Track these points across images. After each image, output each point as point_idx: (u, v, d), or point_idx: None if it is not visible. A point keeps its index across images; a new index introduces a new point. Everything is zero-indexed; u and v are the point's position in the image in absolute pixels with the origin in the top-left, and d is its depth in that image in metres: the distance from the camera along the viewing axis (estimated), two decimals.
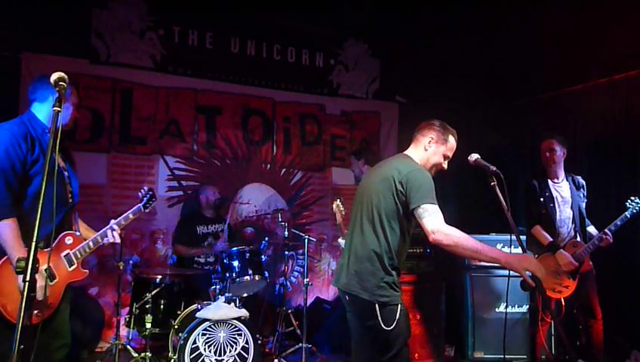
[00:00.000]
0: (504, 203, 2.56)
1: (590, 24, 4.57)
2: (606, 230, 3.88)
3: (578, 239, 4.02)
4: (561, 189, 4.16)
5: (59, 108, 1.73)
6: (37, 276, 2.18)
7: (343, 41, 6.20)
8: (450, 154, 2.74)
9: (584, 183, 4.25)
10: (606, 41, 4.56)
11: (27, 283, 1.46)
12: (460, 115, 5.78)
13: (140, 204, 2.89)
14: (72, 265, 2.56)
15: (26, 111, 2.61)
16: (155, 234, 5.23)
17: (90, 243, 2.64)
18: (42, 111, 2.58)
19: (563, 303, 3.96)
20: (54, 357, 2.58)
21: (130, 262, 4.78)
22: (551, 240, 3.96)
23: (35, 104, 2.60)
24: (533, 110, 5.52)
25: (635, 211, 3.91)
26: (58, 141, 1.66)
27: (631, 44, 4.47)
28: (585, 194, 4.24)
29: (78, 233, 2.66)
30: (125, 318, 4.07)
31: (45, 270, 2.37)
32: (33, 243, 1.51)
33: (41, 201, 1.54)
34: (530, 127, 5.44)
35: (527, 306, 4.73)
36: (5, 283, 2.31)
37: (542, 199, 4.08)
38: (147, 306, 3.94)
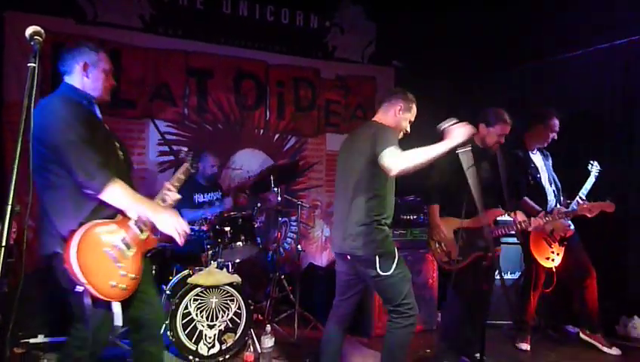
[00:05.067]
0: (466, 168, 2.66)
1: None
2: (580, 194, 3.94)
3: (559, 206, 4.05)
4: (538, 159, 4.22)
5: (34, 64, 1.63)
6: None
7: (339, 1, 6.02)
8: (413, 119, 3.10)
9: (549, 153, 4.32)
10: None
11: (2, 249, 1.40)
12: (457, 79, 5.70)
13: (187, 164, 2.78)
14: (144, 233, 2.39)
15: (61, 86, 2.44)
16: None
17: None
18: (75, 82, 2.43)
19: (554, 271, 3.98)
20: (153, 332, 2.54)
21: None
22: (540, 210, 3.95)
23: (66, 77, 2.45)
24: (529, 76, 5.41)
25: (596, 173, 4.00)
26: (32, 102, 1.56)
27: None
28: (552, 163, 4.31)
29: None
30: None
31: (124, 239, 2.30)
32: (9, 207, 1.44)
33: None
34: (526, 94, 5.34)
35: (519, 273, 4.76)
36: (89, 257, 2.15)
37: (529, 170, 4.09)
38: None
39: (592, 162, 4.05)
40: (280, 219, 4.83)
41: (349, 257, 2.93)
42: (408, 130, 3.10)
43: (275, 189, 4.51)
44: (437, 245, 3.64)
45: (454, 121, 2.69)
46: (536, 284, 4.08)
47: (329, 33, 6.00)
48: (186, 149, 2.93)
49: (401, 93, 3.06)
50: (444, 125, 2.69)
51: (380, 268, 2.81)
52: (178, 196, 2.60)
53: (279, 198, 4.62)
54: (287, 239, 5.83)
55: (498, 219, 3.74)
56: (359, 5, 6.10)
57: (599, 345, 4.12)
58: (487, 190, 3.48)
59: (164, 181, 5.03)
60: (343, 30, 6.06)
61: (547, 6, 4.83)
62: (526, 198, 3.95)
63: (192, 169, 2.82)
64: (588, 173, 4.00)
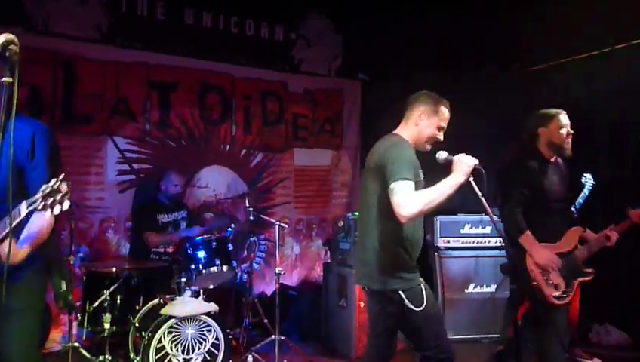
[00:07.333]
0: (478, 190, 2.32)
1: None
2: (572, 208, 3.88)
3: None
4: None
5: (9, 79, 1.36)
6: None
7: (304, 14, 5.89)
8: (444, 124, 2.59)
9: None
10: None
11: None
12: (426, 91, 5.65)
13: None
14: None
15: None
16: (105, 222, 4.79)
17: None
18: None
19: None
20: None
21: (79, 254, 4.34)
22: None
23: None
24: (500, 85, 5.42)
25: (590, 186, 3.99)
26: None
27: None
28: None
29: None
30: (78, 317, 3.69)
31: None
32: None
33: None
34: (501, 104, 5.34)
35: (494, 285, 4.73)
36: None
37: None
38: (105, 303, 3.56)
39: (585, 175, 4.01)
40: (250, 238, 4.58)
41: (366, 289, 2.54)
42: (440, 137, 2.59)
43: (250, 208, 4.28)
44: (544, 278, 2.96)
45: (446, 154, 2.43)
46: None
47: (295, 46, 5.84)
48: None
49: (422, 96, 2.59)
50: (443, 156, 2.41)
51: (411, 303, 2.40)
52: None
53: (251, 217, 4.39)
54: (256, 259, 5.58)
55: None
56: (325, 17, 5.98)
57: (582, 360, 4.14)
58: (560, 207, 3.10)
59: (123, 201, 4.80)
60: (309, 43, 5.92)
61: (518, 16, 4.85)
62: None
63: None
64: (582, 186, 3.98)
